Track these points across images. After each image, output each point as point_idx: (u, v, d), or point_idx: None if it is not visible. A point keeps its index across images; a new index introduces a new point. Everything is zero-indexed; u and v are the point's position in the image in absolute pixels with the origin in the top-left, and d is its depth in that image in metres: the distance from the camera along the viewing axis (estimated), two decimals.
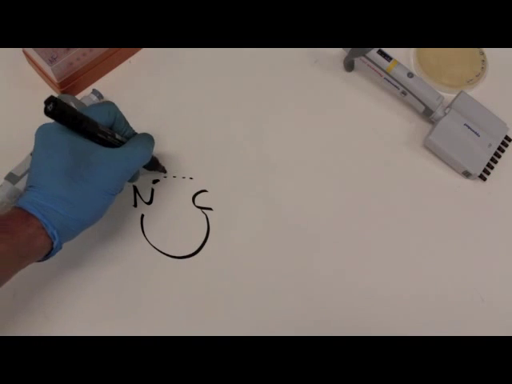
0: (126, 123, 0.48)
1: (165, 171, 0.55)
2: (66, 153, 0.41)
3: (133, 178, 0.50)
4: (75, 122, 0.42)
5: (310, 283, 0.51)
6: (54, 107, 0.40)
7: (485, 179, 0.57)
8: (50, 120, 0.42)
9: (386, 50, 0.57)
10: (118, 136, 0.46)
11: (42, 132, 0.43)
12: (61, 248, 0.42)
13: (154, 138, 0.47)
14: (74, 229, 0.42)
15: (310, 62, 0.62)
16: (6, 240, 0.39)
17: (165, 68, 0.60)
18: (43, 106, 0.41)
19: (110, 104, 0.46)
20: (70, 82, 0.56)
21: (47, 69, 0.54)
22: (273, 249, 0.52)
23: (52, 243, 0.41)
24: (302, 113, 0.59)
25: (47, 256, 0.42)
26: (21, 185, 0.51)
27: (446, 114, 0.57)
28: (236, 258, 0.52)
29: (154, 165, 0.53)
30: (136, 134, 0.49)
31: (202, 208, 0.54)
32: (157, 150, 0.56)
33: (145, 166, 0.50)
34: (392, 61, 0.57)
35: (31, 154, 0.52)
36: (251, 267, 0.52)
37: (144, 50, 0.61)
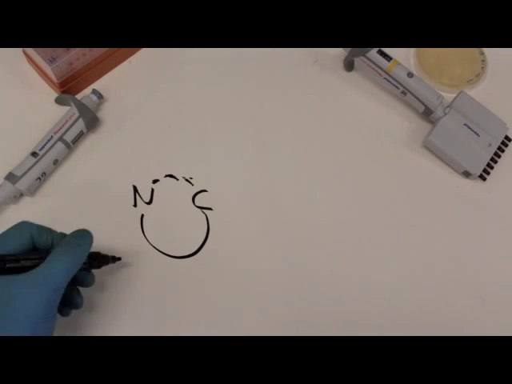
0: (48, 232, 0.42)
1: (118, 259, 0.48)
2: None
3: (83, 284, 0.44)
4: None
5: (311, 283, 0.51)
6: None
7: (485, 179, 0.57)
8: None
9: (385, 49, 0.57)
10: (33, 255, 0.40)
11: None
12: None
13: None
14: None
15: (310, 61, 0.62)
16: None
17: (165, 68, 0.61)
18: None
19: (19, 225, 0.41)
20: (70, 82, 0.56)
21: (47, 69, 0.54)
22: (273, 248, 0.52)
23: None
24: (302, 112, 0.59)
25: None
26: (21, 185, 0.51)
27: (445, 114, 0.57)
28: (236, 258, 0.52)
29: (99, 262, 0.45)
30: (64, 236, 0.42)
31: (201, 208, 0.54)
32: (157, 149, 0.56)
33: (90, 267, 0.44)
34: (392, 61, 0.57)
35: (31, 154, 0.52)
36: (251, 267, 0.52)
37: (144, 50, 0.61)
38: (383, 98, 0.61)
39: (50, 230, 0.42)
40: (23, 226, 0.41)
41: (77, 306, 0.44)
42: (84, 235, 0.42)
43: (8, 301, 0.35)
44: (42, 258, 0.38)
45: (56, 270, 0.37)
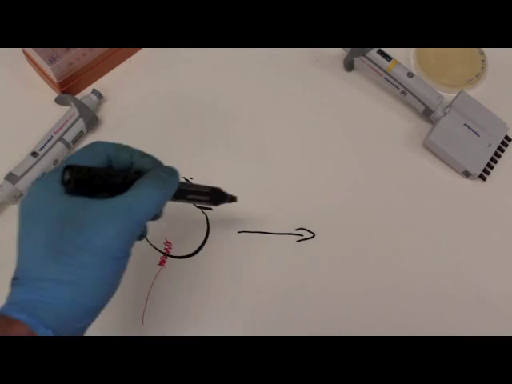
0: (127, 151, 0.36)
1: (234, 200, 0.45)
2: (47, 221, 0.32)
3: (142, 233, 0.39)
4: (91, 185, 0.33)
5: (311, 283, 0.51)
6: (73, 175, 0.32)
7: (485, 179, 0.57)
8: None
9: (385, 49, 0.57)
10: (117, 179, 0.35)
11: (20, 207, 0.34)
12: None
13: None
14: (79, 317, 0.32)
15: (310, 61, 0.62)
16: None
17: (165, 68, 0.61)
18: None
19: (92, 145, 0.36)
20: (70, 82, 0.56)
21: (47, 69, 0.54)
22: (273, 248, 0.52)
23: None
24: (302, 112, 0.59)
25: None
26: (21, 185, 0.51)
27: (445, 114, 0.57)
28: (236, 258, 0.52)
29: (219, 198, 0.43)
30: (156, 163, 0.38)
31: (202, 208, 0.54)
32: (157, 149, 0.56)
33: (210, 204, 0.42)
34: (392, 61, 0.57)
35: (31, 154, 0.52)
36: (251, 267, 0.52)
37: (144, 50, 0.61)
38: (383, 98, 0.61)
39: (128, 148, 0.36)
40: (98, 146, 0.35)
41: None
42: (174, 173, 0.37)
43: (82, 228, 0.31)
44: (127, 183, 0.34)
45: (144, 203, 0.33)
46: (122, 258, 0.33)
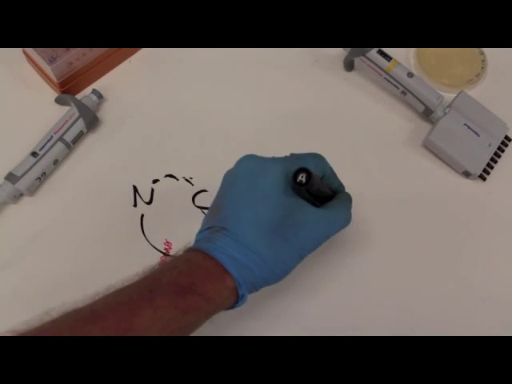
0: (335, 177, 0.43)
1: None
2: (277, 205, 0.37)
3: None
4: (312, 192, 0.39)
5: (311, 282, 0.51)
6: (307, 179, 0.37)
7: (485, 179, 0.57)
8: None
9: (385, 49, 0.57)
10: (324, 192, 0.42)
11: (247, 168, 0.39)
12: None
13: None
14: (258, 288, 0.38)
15: (310, 61, 0.62)
16: (199, 308, 0.35)
17: (165, 68, 0.60)
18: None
19: (321, 158, 0.43)
20: (70, 82, 0.56)
21: (47, 69, 0.54)
22: None
23: (236, 302, 0.37)
24: (302, 112, 0.59)
25: None
26: (21, 185, 0.51)
27: (445, 114, 0.57)
28: None
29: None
30: (340, 187, 0.44)
31: (202, 208, 0.54)
32: (157, 149, 0.56)
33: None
34: (392, 61, 0.57)
35: (31, 154, 0.52)
36: None
37: (144, 50, 0.61)
38: (383, 98, 0.61)
39: (335, 177, 0.43)
40: (321, 161, 0.42)
41: None
42: (351, 199, 0.44)
43: (297, 226, 0.37)
44: (326, 197, 0.42)
45: (336, 220, 0.40)
46: (304, 257, 0.38)
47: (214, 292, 0.35)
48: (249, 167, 0.39)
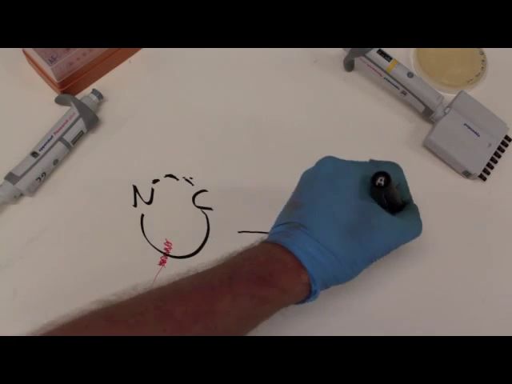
0: (407, 189, 0.44)
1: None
2: (354, 208, 0.38)
3: None
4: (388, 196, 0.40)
5: None
6: (386, 183, 0.38)
7: (485, 179, 0.57)
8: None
9: (386, 49, 0.57)
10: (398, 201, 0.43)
11: (327, 169, 0.40)
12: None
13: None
14: (328, 286, 0.39)
15: (310, 61, 0.62)
16: (274, 299, 0.36)
17: (165, 68, 0.60)
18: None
19: (399, 168, 0.44)
20: (70, 82, 0.56)
21: (47, 69, 0.54)
22: None
23: (308, 297, 0.38)
24: (302, 112, 0.59)
25: None
26: (21, 185, 0.51)
27: (445, 114, 0.57)
28: None
29: None
30: (409, 201, 0.45)
31: (202, 208, 0.54)
32: (157, 149, 0.56)
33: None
34: (392, 61, 0.57)
35: (31, 154, 0.52)
36: None
37: (144, 50, 0.61)
38: (383, 98, 0.61)
39: (408, 189, 0.44)
40: (398, 170, 0.43)
41: None
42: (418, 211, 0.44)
43: (371, 230, 0.38)
44: (400, 209, 0.43)
45: (409, 229, 0.41)
46: (373, 262, 0.39)
47: (289, 285, 0.36)
48: (328, 168, 0.40)
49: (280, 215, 0.41)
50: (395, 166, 0.44)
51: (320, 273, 0.37)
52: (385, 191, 0.39)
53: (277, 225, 0.41)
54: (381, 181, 0.38)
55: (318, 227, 0.37)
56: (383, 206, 0.40)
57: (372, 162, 0.43)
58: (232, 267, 0.37)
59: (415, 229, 0.42)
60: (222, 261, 0.39)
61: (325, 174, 0.40)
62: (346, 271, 0.38)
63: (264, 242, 0.40)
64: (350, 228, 0.38)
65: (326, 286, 0.39)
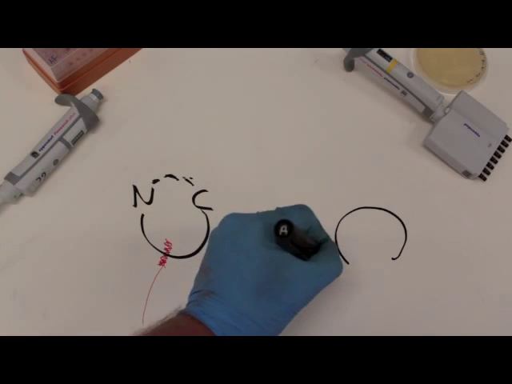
0: (321, 229, 0.42)
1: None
2: (260, 264, 0.36)
3: None
4: (297, 244, 0.38)
5: None
6: (289, 231, 0.36)
7: (485, 179, 0.57)
8: None
9: (386, 49, 0.57)
10: (310, 244, 0.41)
11: (230, 228, 0.38)
12: None
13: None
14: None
15: (310, 61, 0.62)
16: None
17: (165, 68, 0.61)
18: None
19: (307, 210, 0.41)
20: (70, 82, 0.56)
21: (47, 69, 0.54)
22: None
23: None
24: (302, 112, 0.59)
25: None
26: (21, 185, 0.51)
27: (445, 114, 0.57)
28: None
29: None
30: (326, 239, 0.42)
31: (201, 208, 0.54)
32: (157, 150, 0.56)
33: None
34: (392, 61, 0.57)
35: (31, 154, 0.52)
36: None
37: (144, 50, 0.61)
38: (383, 97, 0.61)
39: (321, 229, 0.42)
40: (307, 213, 0.41)
41: None
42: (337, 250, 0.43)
43: (285, 283, 0.36)
44: (316, 249, 0.41)
45: (327, 272, 0.39)
46: (296, 313, 0.38)
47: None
48: (231, 226, 0.38)
49: (195, 281, 0.40)
50: (303, 209, 0.41)
51: (233, 333, 0.36)
52: (291, 238, 0.36)
53: (192, 292, 0.39)
54: (284, 229, 0.36)
55: (228, 292, 0.36)
56: (295, 253, 0.38)
57: (278, 209, 0.41)
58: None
59: (334, 269, 0.39)
60: (139, 332, 0.37)
61: (228, 234, 0.38)
62: (265, 330, 0.36)
63: (179, 313, 0.38)
64: (261, 286, 0.36)
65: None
